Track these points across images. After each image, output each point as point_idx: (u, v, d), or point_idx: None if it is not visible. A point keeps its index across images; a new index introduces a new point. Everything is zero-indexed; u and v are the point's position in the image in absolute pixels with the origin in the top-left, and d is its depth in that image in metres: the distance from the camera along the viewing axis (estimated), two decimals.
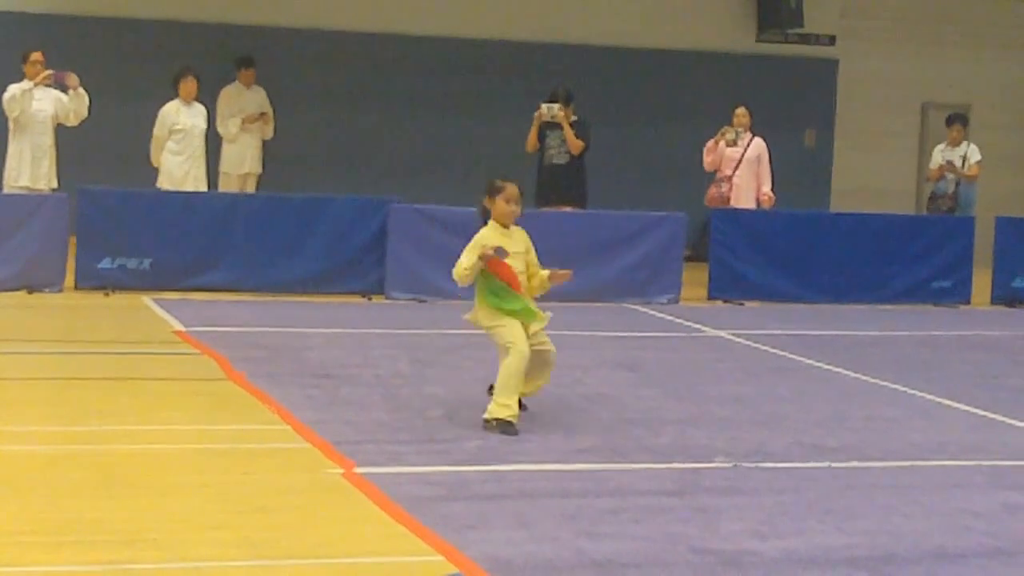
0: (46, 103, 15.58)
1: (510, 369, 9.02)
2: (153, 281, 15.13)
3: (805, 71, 23.17)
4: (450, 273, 15.24)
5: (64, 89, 15.59)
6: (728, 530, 7.02)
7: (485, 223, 9.42)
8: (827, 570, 6.45)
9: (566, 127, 16.65)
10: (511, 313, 9.15)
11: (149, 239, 15.21)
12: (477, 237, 9.32)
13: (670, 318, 15.12)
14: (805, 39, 23.25)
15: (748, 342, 13.62)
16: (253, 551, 6.38)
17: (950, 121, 18.77)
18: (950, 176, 18.40)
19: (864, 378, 11.77)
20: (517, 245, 9.32)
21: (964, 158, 18.39)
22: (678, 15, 22.58)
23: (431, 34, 21.66)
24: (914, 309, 16.94)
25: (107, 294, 14.84)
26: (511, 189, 9.30)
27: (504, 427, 8.95)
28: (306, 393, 10.01)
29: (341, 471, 7.85)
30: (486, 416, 9.07)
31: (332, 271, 15.62)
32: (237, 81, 18.78)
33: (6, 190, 15.56)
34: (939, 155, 18.60)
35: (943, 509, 7.65)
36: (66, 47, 18.59)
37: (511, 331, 9.11)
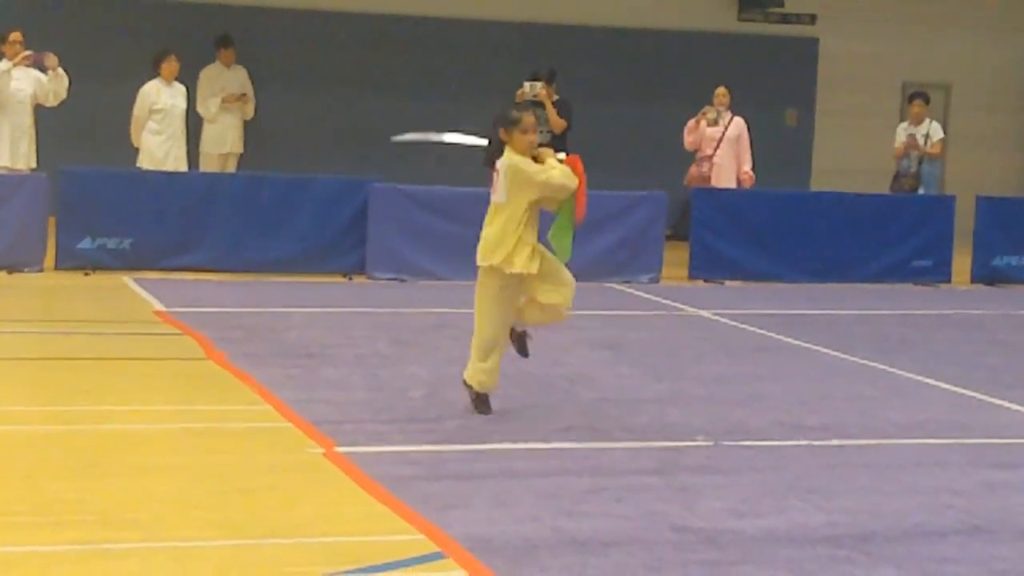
0: (25, 83, 15.53)
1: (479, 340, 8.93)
2: (133, 261, 15.09)
3: (786, 50, 23.17)
4: (432, 252, 15.42)
5: (43, 69, 15.54)
6: (708, 508, 7.04)
7: (493, 159, 8.90)
8: (807, 548, 6.48)
9: (548, 106, 16.66)
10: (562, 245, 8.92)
11: (129, 219, 15.17)
12: (520, 161, 8.75)
13: (651, 297, 15.14)
14: (786, 18, 23.25)
15: (729, 321, 13.63)
16: (234, 531, 6.38)
17: (912, 98, 18.72)
18: (913, 154, 18.36)
19: (845, 357, 11.80)
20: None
21: (927, 136, 18.35)
22: None
23: (412, 13, 21.62)
24: (894, 288, 16.96)
25: (87, 274, 14.81)
26: (527, 119, 8.85)
27: (480, 402, 8.94)
28: (287, 373, 10.00)
29: (322, 451, 7.86)
30: (465, 378, 9.03)
31: (313, 251, 15.60)
32: (217, 61, 18.74)
33: None
34: (902, 133, 18.55)
35: (923, 487, 7.68)
36: (45, 27, 18.52)
37: (502, 315, 8.93)
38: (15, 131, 15.47)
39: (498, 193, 8.84)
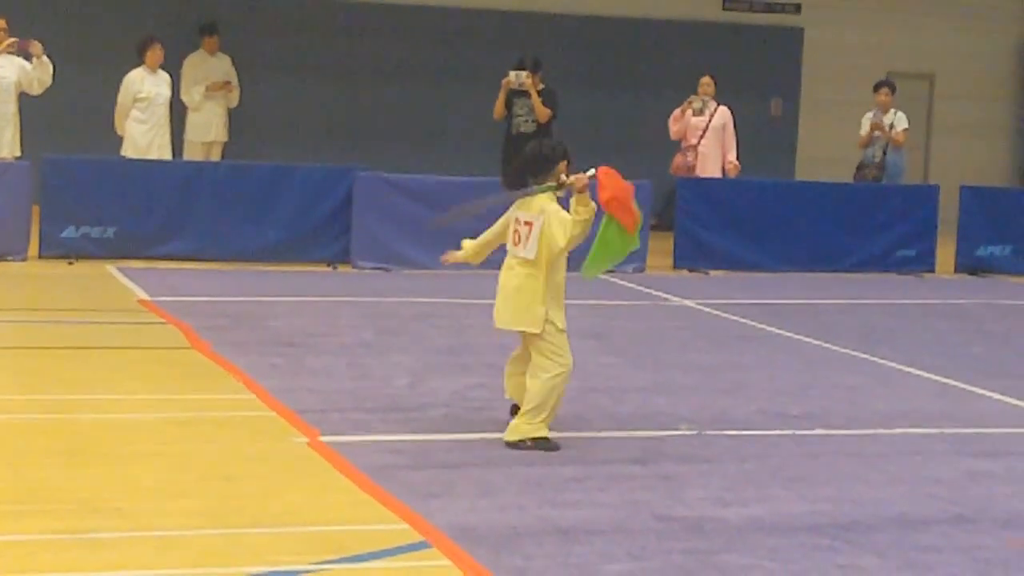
0: (9, 71, 15.46)
1: (554, 387, 7.96)
2: (117, 250, 15.06)
3: (771, 40, 23.18)
4: (416, 241, 15.41)
5: (28, 57, 15.48)
6: (692, 497, 7.06)
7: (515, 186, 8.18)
8: (790, 537, 6.49)
9: (533, 95, 16.65)
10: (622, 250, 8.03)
11: (113, 208, 15.14)
12: (558, 209, 8.01)
13: (635, 287, 15.14)
14: (771, 8, 23.28)
15: (713, 311, 13.65)
16: (218, 520, 6.38)
17: (878, 87, 18.63)
18: (877, 144, 18.32)
19: (828, 346, 11.81)
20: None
21: (892, 125, 18.31)
22: None
23: (398, 2, 21.59)
24: (879, 278, 16.99)
25: (71, 263, 14.78)
26: (562, 164, 8.13)
27: (542, 444, 7.91)
28: (271, 362, 9.99)
29: (306, 440, 7.85)
30: (513, 438, 7.93)
31: (297, 240, 15.59)
32: (201, 49, 18.68)
33: None
34: (867, 123, 18.49)
35: (906, 476, 7.70)
36: (29, 14, 18.47)
37: (563, 341, 8.09)
38: None
39: (528, 247, 7.95)
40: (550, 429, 7.98)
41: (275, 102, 20.89)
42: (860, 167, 18.51)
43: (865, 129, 18.36)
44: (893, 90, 18.51)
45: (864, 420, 9.07)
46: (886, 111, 18.32)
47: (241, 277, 14.47)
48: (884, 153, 18.24)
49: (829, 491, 7.30)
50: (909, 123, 18.44)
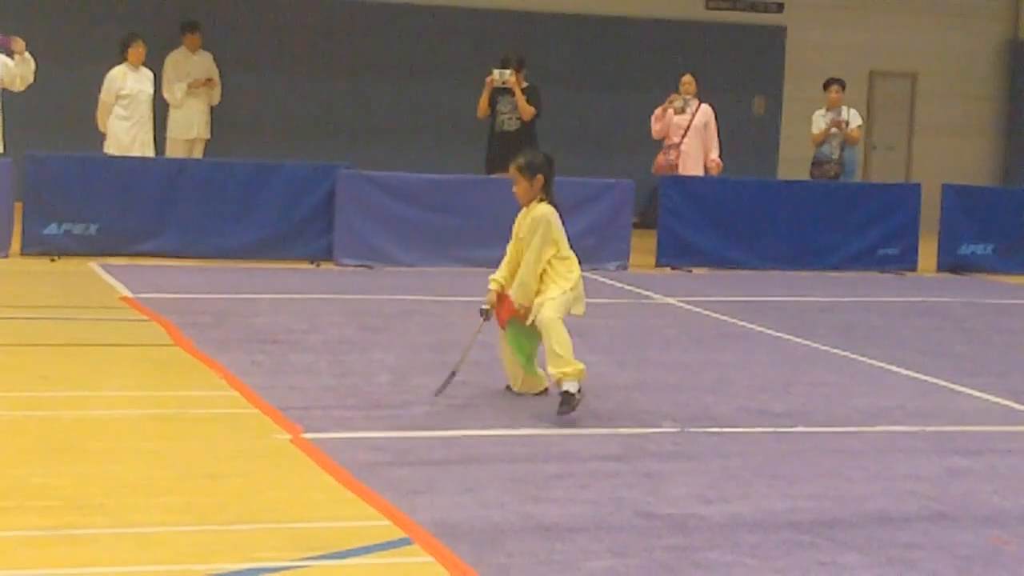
0: None
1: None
2: (100, 247, 15.06)
3: (753, 38, 23.20)
4: (399, 239, 15.42)
5: (10, 54, 15.45)
6: (674, 494, 7.06)
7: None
8: (771, 534, 6.50)
9: (518, 93, 16.65)
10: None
11: (96, 204, 15.13)
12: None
13: (619, 285, 15.16)
14: (753, 7, 23.30)
15: (696, 308, 13.66)
16: (200, 517, 6.37)
17: (828, 84, 18.63)
18: (834, 141, 18.34)
19: (811, 344, 11.83)
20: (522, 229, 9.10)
21: (847, 122, 18.35)
22: None
23: None
24: (861, 276, 17.03)
25: (53, 260, 14.76)
26: (511, 169, 9.13)
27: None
28: (254, 359, 9.99)
29: (289, 437, 7.85)
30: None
31: (280, 237, 15.59)
32: (183, 46, 18.66)
33: None
34: (820, 120, 18.49)
35: (887, 474, 7.71)
36: (11, 11, 18.43)
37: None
38: None
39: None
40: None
41: (257, 99, 20.86)
42: (817, 164, 18.53)
43: (819, 126, 18.40)
44: (843, 87, 18.57)
45: (846, 418, 9.09)
46: (839, 108, 18.35)
47: (224, 274, 14.45)
48: (842, 150, 18.28)
49: (811, 488, 7.32)
50: (882, 121, 18.48)
